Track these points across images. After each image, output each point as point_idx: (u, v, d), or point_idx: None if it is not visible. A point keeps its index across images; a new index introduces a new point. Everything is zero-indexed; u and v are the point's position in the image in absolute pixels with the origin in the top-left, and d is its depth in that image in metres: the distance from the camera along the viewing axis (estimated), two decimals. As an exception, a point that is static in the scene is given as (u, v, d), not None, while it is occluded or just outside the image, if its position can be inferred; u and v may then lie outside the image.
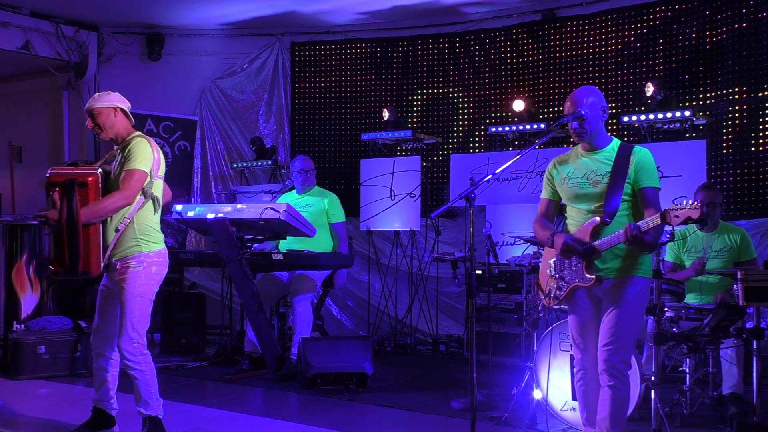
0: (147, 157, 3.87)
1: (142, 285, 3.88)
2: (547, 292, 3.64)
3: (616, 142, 3.55)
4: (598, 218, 3.40)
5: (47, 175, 3.77)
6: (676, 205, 3.12)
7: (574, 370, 3.62)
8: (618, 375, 3.35)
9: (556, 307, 3.62)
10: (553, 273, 3.59)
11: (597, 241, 3.39)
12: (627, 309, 3.37)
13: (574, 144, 3.65)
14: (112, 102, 3.99)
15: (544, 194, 3.75)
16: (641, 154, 3.45)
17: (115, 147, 4.05)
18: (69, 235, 3.67)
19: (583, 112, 3.43)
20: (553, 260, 3.61)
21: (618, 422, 3.36)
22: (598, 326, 3.49)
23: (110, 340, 4.04)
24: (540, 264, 3.77)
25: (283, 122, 8.38)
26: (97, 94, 4.07)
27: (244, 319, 6.33)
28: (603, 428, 3.38)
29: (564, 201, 3.65)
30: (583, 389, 3.58)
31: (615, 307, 3.37)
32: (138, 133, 4.06)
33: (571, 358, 4.31)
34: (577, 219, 3.55)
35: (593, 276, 3.39)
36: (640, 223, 3.23)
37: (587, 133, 3.48)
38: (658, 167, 3.55)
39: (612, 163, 3.44)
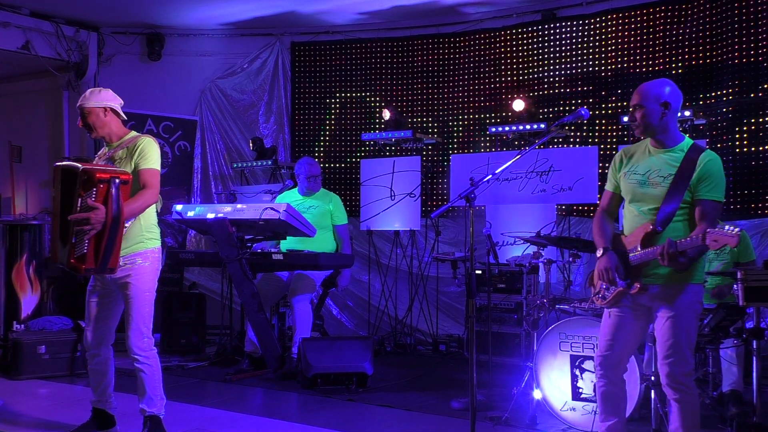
0: (159, 156, 3.96)
1: (149, 280, 3.94)
2: (597, 290, 3.53)
3: (687, 142, 3.36)
4: (650, 225, 3.26)
5: (87, 169, 3.67)
6: (720, 229, 2.96)
7: (596, 369, 3.51)
8: (683, 387, 3.23)
9: (602, 305, 3.52)
10: None
11: (632, 256, 3.30)
12: (683, 319, 3.24)
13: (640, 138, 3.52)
14: (101, 101, 3.99)
15: (608, 186, 3.57)
16: (709, 160, 3.24)
17: (105, 144, 4.06)
18: (111, 233, 3.67)
19: (640, 103, 3.32)
20: (596, 270, 3.48)
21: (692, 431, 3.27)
22: (636, 330, 3.42)
23: (105, 340, 4.07)
24: (591, 260, 3.71)
25: (283, 122, 8.38)
26: (89, 91, 4.05)
27: (244, 319, 6.33)
28: None
29: (623, 196, 3.48)
30: (603, 389, 3.47)
31: (670, 318, 3.25)
32: (134, 132, 4.08)
33: (572, 358, 4.33)
34: (630, 220, 3.41)
35: (638, 285, 3.30)
36: (679, 242, 3.09)
37: (642, 127, 3.33)
38: None
39: (678, 166, 3.28)
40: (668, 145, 3.36)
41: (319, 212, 6.06)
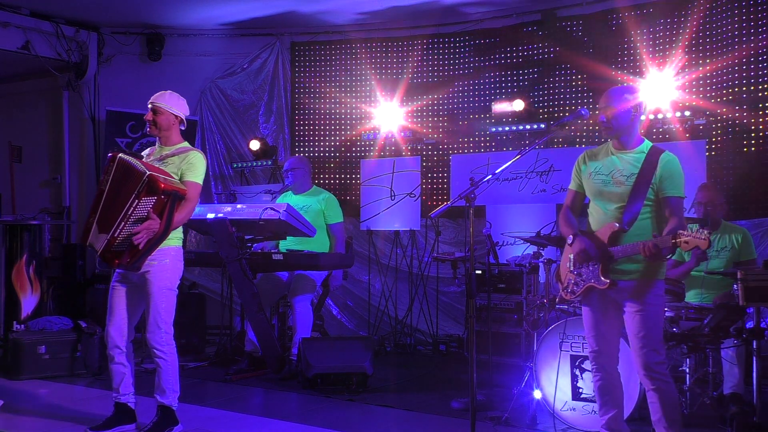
0: (204, 171, 4.20)
1: (169, 278, 4.07)
2: (565, 285, 3.68)
3: (646, 144, 3.55)
4: (617, 224, 3.42)
5: (154, 177, 3.85)
6: (689, 230, 3.14)
7: (591, 364, 3.67)
8: (658, 376, 3.40)
9: (571, 299, 3.68)
10: (572, 268, 3.64)
11: (613, 249, 3.43)
12: (651, 311, 3.42)
13: (605, 140, 3.69)
14: (178, 110, 4.21)
15: (572, 185, 3.77)
16: (668, 160, 3.45)
17: (157, 144, 4.26)
18: (155, 242, 3.90)
19: (613, 105, 3.47)
20: (572, 255, 3.64)
21: (673, 420, 3.41)
22: (612, 322, 3.57)
23: (126, 334, 4.17)
24: (561, 256, 3.82)
25: (283, 122, 8.37)
26: (168, 92, 4.25)
27: (244, 319, 6.33)
28: (661, 428, 3.43)
29: (588, 195, 3.68)
30: (600, 383, 3.62)
31: (638, 311, 3.42)
32: (187, 144, 4.28)
33: (572, 358, 4.33)
34: (597, 218, 3.58)
35: (608, 280, 3.44)
36: (658, 238, 3.25)
37: (613, 128, 3.50)
38: None
39: (639, 166, 3.46)
40: (630, 147, 3.55)
41: (313, 211, 6.05)
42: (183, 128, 4.30)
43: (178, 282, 4.16)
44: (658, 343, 3.42)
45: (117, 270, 4.16)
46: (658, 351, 3.41)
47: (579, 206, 3.77)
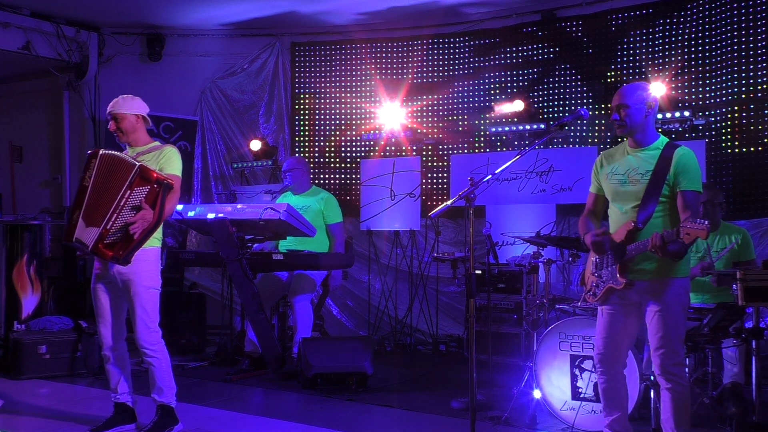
0: (181, 165, 4.17)
1: (152, 277, 4.10)
2: (588, 288, 3.67)
3: (662, 141, 3.53)
4: (632, 223, 3.40)
5: (145, 168, 3.92)
6: (691, 222, 3.11)
7: (596, 366, 3.63)
8: (674, 378, 3.37)
9: (594, 302, 3.66)
10: (593, 271, 3.64)
11: (628, 247, 3.41)
12: (671, 311, 3.38)
13: (621, 140, 3.68)
14: (135, 109, 4.21)
15: (591, 188, 3.76)
16: (683, 154, 3.41)
17: (127, 148, 4.25)
18: (148, 232, 3.93)
19: (626, 102, 3.45)
20: (594, 258, 3.64)
21: (682, 421, 3.39)
22: (630, 324, 3.54)
23: (119, 334, 4.21)
24: (586, 260, 3.81)
25: (283, 122, 8.38)
26: (121, 97, 4.24)
27: (244, 319, 6.34)
28: (668, 428, 3.41)
29: (607, 197, 3.65)
30: (605, 386, 3.59)
31: (658, 311, 3.39)
32: (158, 142, 4.30)
33: (572, 358, 4.34)
34: (615, 219, 3.58)
35: (624, 280, 3.42)
36: (665, 233, 3.22)
37: (626, 126, 3.48)
38: None
39: (654, 163, 3.43)
40: (645, 144, 3.53)
41: (312, 211, 6.06)
42: (149, 127, 4.30)
43: (160, 280, 4.17)
44: (677, 343, 3.38)
45: (94, 272, 4.18)
46: (676, 352, 3.37)
47: (600, 209, 3.74)
